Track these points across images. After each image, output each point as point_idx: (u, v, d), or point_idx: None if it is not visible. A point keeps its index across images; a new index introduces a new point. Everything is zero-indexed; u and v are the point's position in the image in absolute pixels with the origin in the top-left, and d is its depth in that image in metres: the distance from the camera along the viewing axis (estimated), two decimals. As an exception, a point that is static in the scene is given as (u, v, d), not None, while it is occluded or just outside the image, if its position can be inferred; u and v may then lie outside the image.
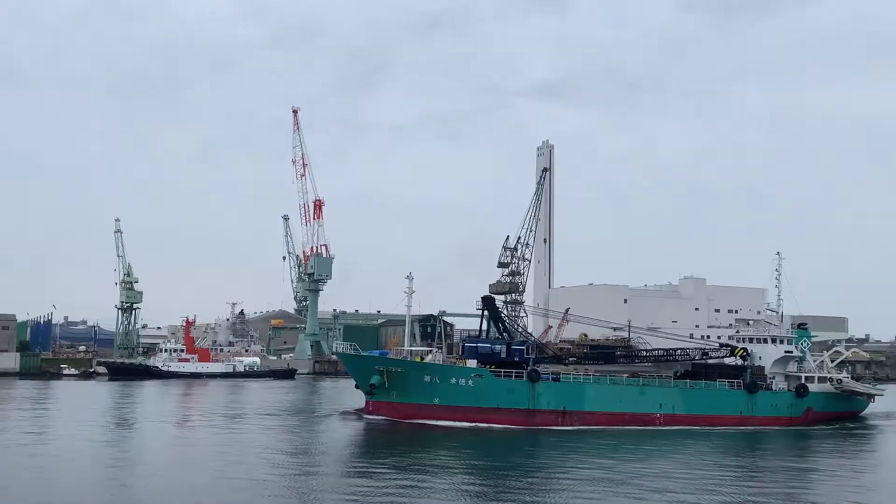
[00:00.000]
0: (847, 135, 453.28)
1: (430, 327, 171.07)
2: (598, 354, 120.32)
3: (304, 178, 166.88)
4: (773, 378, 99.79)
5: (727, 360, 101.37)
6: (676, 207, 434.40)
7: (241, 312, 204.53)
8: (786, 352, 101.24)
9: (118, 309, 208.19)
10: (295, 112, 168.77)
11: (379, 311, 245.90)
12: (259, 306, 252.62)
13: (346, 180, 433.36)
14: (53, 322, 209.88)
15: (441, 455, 65.57)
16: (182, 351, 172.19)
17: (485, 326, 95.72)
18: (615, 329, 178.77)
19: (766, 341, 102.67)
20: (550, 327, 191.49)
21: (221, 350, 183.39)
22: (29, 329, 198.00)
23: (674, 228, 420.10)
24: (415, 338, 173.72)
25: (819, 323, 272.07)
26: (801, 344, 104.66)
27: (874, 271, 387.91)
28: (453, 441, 74.43)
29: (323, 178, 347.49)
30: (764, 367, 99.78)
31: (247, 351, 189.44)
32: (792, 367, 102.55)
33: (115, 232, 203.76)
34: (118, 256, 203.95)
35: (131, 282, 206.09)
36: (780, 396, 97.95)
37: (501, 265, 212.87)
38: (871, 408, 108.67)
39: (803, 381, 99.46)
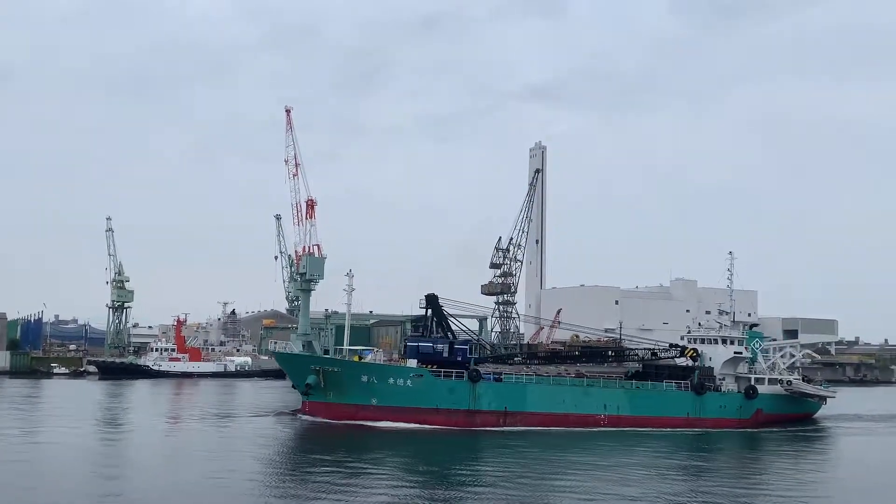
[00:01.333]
0: (840, 137, 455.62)
1: (423, 328, 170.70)
2: (548, 355, 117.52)
3: (296, 177, 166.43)
4: (723, 379, 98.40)
5: (679, 361, 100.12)
6: (669, 209, 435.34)
7: (233, 312, 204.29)
8: (735, 353, 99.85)
9: (109, 308, 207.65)
10: (288, 111, 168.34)
11: (371, 312, 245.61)
12: (251, 306, 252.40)
13: (341, 181, 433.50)
14: (44, 321, 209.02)
15: (373, 457, 63.71)
16: (173, 350, 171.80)
17: (445, 327, 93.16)
18: (605, 331, 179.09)
19: (715, 342, 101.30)
20: (542, 328, 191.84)
21: (213, 349, 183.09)
22: (19, 327, 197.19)
23: (666, 230, 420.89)
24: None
25: (809, 325, 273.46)
26: (753, 345, 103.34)
27: (865, 274, 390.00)
28: (390, 442, 73.14)
29: (318, 178, 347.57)
30: (713, 368, 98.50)
31: (238, 351, 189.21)
32: (742, 369, 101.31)
33: (107, 231, 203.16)
34: (109, 255, 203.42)
35: (122, 281, 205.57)
36: (728, 398, 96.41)
37: (493, 266, 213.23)
38: (825, 410, 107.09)
39: (753, 383, 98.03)
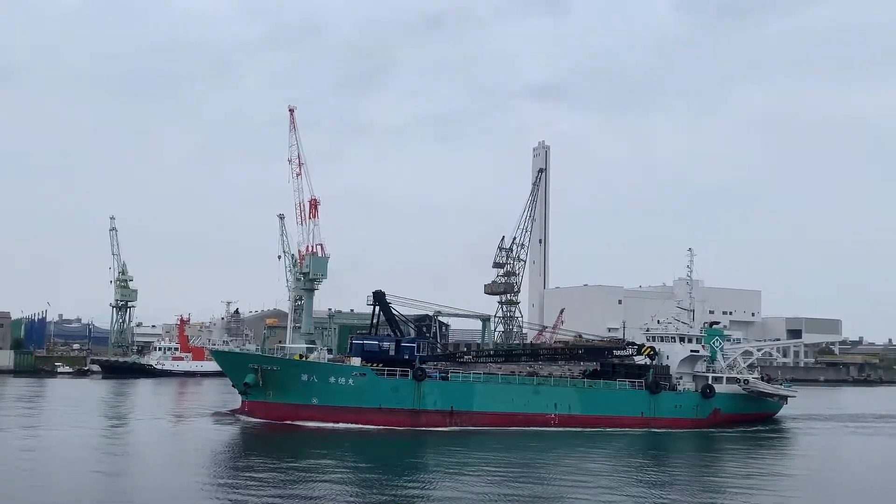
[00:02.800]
0: (844, 136, 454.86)
1: (426, 328, 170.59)
2: (501, 352, 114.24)
3: (299, 177, 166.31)
4: (681, 378, 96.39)
5: (638, 360, 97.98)
6: (672, 209, 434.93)
7: (236, 311, 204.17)
8: (692, 351, 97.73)
9: (113, 307, 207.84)
10: (291, 111, 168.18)
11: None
12: (254, 305, 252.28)
13: (343, 180, 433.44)
14: (48, 320, 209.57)
15: (307, 460, 61.28)
16: (176, 350, 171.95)
17: (393, 325, 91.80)
18: (609, 330, 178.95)
19: (672, 340, 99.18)
20: (546, 328, 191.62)
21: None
22: (23, 327, 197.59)
23: (669, 230, 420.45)
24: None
25: (813, 325, 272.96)
26: (713, 343, 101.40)
27: (870, 274, 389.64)
28: (327, 444, 70.83)
29: (320, 178, 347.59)
30: (670, 366, 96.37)
31: (241, 350, 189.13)
32: (700, 367, 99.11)
33: (111, 230, 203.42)
34: (113, 255, 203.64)
35: (126, 280, 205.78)
36: (684, 397, 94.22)
37: (497, 265, 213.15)
38: (788, 409, 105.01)
39: (710, 382, 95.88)
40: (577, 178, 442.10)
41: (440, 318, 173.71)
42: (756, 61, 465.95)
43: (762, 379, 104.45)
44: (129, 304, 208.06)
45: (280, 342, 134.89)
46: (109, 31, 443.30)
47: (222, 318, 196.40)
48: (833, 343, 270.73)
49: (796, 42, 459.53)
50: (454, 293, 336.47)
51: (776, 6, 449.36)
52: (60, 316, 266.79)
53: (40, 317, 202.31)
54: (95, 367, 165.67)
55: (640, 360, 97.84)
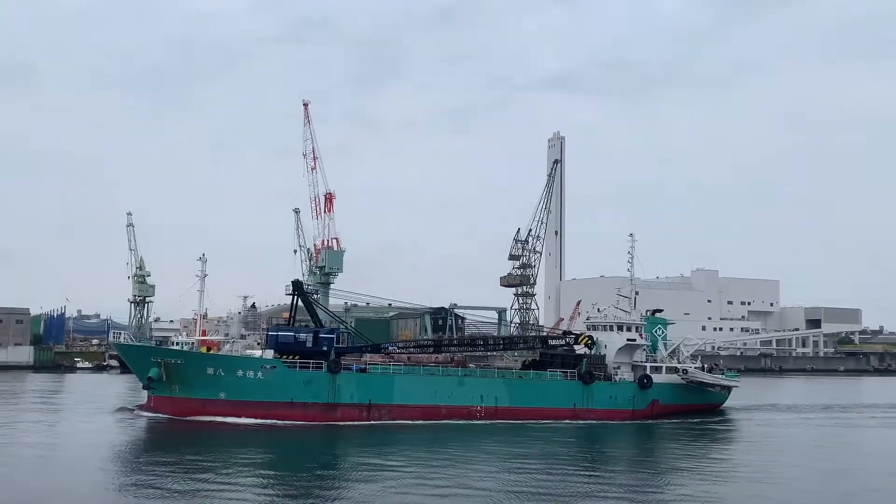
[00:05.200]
0: (862, 125, 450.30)
1: (441, 320, 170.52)
2: (430, 343, 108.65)
3: (314, 171, 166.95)
4: (618, 368, 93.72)
5: (579, 350, 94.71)
6: (689, 199, 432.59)
7: (253, 305, 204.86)
8: (628, 340, 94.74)
9: (131, 302, 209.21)
10: (305, 105, 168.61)
11: (390, 304, 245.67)
12: (270, 299, 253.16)
13: (357, 174, 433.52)
14: (67, 316, 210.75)
15: (205, 458, 58.21)
16: (194, 344, 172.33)
17: (315, 315, 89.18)
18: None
19: (610, 329, 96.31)
20: (562, 319, 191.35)
21: (233, 343, 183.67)
22: (42, 323, 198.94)
23: (686, 220, 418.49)
24: (426, 330, 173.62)
25: (832, 314, 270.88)
26: (656, 332, 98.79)
27: (890, 263, 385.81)
28: (231, 440, 68.17)
29: (335, 171, 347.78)
30: (606, 356, 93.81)
31: (258, 344, 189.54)
32: (639, 357, 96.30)
33: (128, 226, 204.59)
34: (130, 250, 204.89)
35: (144, 275, 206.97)
36: (620, 388, 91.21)
37: (512, 258, 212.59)
38: (735, 400, 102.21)
39: (648, 372, 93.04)
40: (593, 169, 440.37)
41: (456, 311, 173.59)
42: (775, 48, 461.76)
43: (703, 369, 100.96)
44: (147, 299, 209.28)
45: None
46: (122, 29, 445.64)
47: (239, 313, 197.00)
48: (853, 333, 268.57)
49: (813, 30, 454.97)
50: (470, 285, 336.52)
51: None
52: (79, 311, 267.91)
53: (59, 313, 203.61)
54: (114, 363, 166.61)
55: (580, 349, 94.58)
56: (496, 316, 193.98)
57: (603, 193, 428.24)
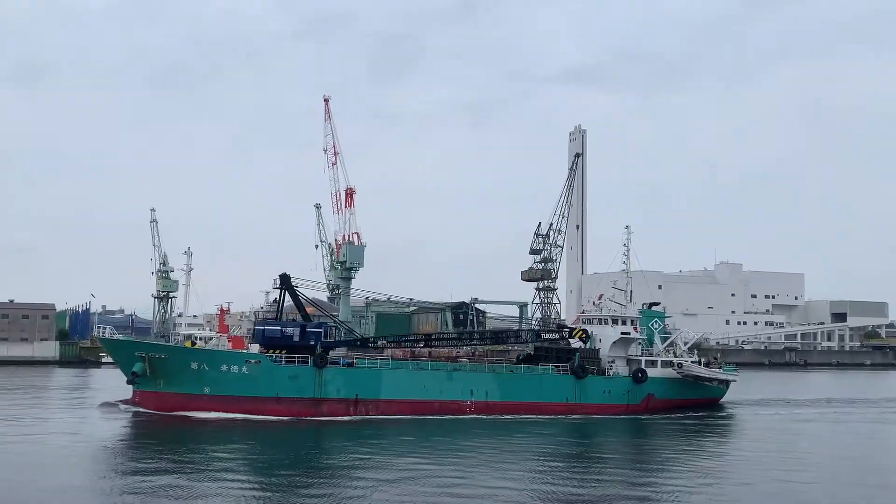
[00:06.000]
0: (884, 116, 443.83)
1: (463, 315, 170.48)
2: (420, 337, 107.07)
3: (335, 166, 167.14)
4: (613, 362, 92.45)
5: (575, 344, 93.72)
6: (713, 192, 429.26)
7: (275, 300, 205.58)
8: (622, 333, 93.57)
9: (154, 298, 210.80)
10: (326, 101, 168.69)
11: (411, 299, 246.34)
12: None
13: (377, 168, 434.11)
14: (92, 311, 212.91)
15: (186, 454, 57.54)
16: (217, 338, 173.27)
17: (300, 309, 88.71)
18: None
19: (605, 322, 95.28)
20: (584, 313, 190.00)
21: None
22: (68, 318, 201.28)
23: (710, 213, 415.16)
24: (447, 325, 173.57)
25: (858, 308, 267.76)
26: (652, 325, 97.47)
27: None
28: (214, 436, 67.24)
29: (354, 166, 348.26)
30: (601, 349, 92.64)
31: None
32: (634, 351, 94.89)
33: (151, 222, 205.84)
34: (154, 246, 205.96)
35: (167, 271, 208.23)
36: (614, 382, 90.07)
37: (534, 252, 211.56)
38: (739, 394, 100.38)
39: (643, 366, 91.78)
40: (614, 162, 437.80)
41: (477, 306, 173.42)
42: (798, 40, 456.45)
43: (700, 363, 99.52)
44: (171, 294, 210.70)
45: None
46: (142, 26, 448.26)
47: (262, 307, 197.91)
48: (879, 326, 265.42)
49: (836, 20, 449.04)
50: (491, 280, 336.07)
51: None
52: (104, 307, 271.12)
53: (84, 308, 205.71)
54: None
55: (575, 343, 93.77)
56: (517, 310, 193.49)
57: (624, 186, 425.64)
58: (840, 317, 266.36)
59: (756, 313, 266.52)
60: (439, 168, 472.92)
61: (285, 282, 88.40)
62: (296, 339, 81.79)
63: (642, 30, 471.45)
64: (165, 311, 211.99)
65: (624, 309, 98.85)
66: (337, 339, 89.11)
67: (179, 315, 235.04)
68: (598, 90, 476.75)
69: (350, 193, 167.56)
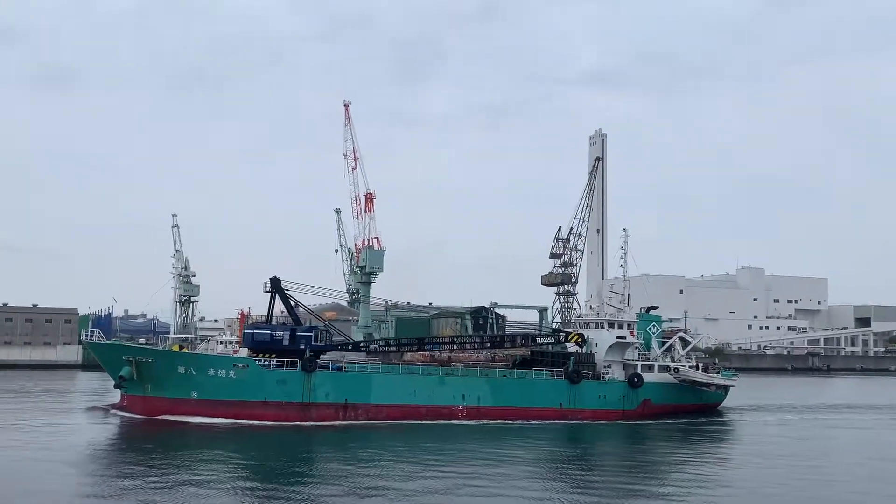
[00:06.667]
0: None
1: (483, 319, 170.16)
2: (413, 341, 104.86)
3: (355, 171, 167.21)
4: (609, 367, 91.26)
5: (571, 348, 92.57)
6: (734, 196, 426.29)
7: (296, 304, 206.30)
8: (618, 337, 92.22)
9: (176, 302, 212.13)
10: (346, 106, 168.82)
11: (431, 304, 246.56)
12: (312, 299, 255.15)
13: (396, 171, 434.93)
14: (114, 315, 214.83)
15: (168, 459, 56.92)
16: (237, 343, 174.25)
17: (284, 311, 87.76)
18: (670, 321, 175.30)
19: (601, 326, 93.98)
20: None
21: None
22: (90, 322, 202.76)
23: (732, 217, 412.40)
24: (467, 329, 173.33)
25: (882, 313, 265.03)
26: (650, 329, 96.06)
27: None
28: (200, 441, 66.63)
29: (374, 169, 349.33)
30: (597, 354, 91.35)
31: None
32: (631, 355, 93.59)
33: (173, 227, 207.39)
34: (176, 251, 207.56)
35: (189, 275, 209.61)
36: (609, 387, 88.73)
37: (553, 256, 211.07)
38: (734, 399, 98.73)
39: (639, 371, 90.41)
40: (635, 166, 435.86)
41: (496, 310, 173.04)
42: (820, 41, 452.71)
43: (698, 367, 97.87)
44: (192, 298, 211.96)
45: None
46: (164, 29, 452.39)
47: (282, 312, 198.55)
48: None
49: (858, 20, 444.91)
50: (511, 284, 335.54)
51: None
52: (126, 311, 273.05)
53: (107, 312, 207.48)
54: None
55: (572, 347, 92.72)
56: (538, 315, 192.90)
57: (645, 190, 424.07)
58: (864, 322, 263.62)
59: (778, 318, 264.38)
60: (459, 171, 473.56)
61: (276, 285, 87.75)
62: (285, 342, 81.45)
63: (662, 32, 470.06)
64: (187, 315, 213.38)
65: (621, 313, 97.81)
66: (328, 343, 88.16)
67: (201, 319, 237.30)
68: (617, 93, 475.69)
69: (370, 198, 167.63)
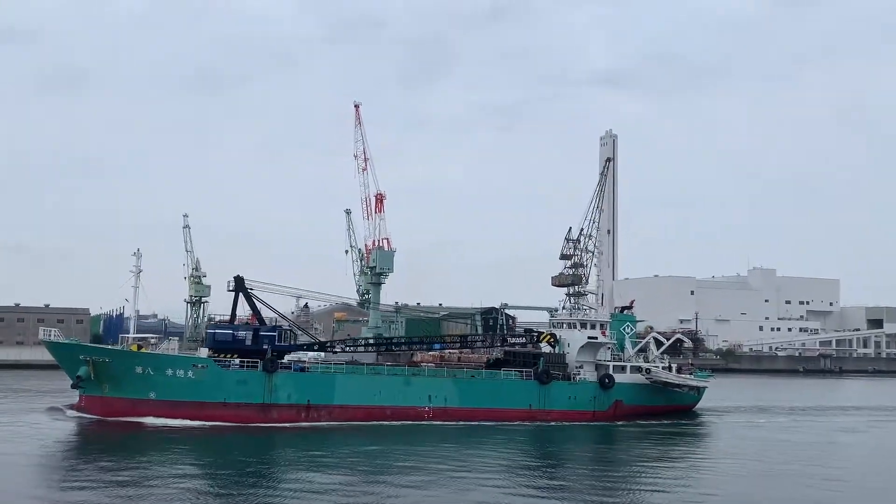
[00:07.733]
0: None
1: (493, 320, 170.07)
2: (382, 341, 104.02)
3: (365, 172, 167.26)
4: (581, 367, 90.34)
5: (545, 348, 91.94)
6: (745, 197, 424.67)
7: (306, 305, 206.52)
8: (590, 338, 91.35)
9: (187, 303, 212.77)
10: (356, 107, 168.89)
11: (440, 304, 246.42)
12: (323, 299, 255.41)
13: (407, 172, 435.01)
14: (125, 316, 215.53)
15: (115, 463, 55.51)
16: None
17: (247, 311, 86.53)
18: (681, 322, 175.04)
19: (573, 326, 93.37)
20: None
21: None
22: (102, 322, 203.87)
23: (743, 218, 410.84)
24: (476, 330, 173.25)
25: (895, 314, 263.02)
26: (623, 329, 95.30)
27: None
28: (157, 443, 65.57)
29: (384, 170, 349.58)
30: (568, 354, 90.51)
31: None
32: (603, 356, 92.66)
33: (184, 227, 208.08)
34: (187, 251, 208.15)
35: (200, 276, 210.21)
36: (579, 388, 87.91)
37: (564, 257, 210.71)
38: (709, 401, 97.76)
39: (610, 371, 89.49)
40: (645, 166, 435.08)
41: (506, 311, 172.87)
42: (831, 41, 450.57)
43: (671, 368, 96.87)
44: (203, 299, 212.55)
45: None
46: (174, 32, 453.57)
47: (292, 312, 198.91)
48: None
49: (871, 19, 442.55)
50: (521, 284, 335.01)
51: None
52: (137, 311, 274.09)
53: (118, 313, 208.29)
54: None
55: (546, 348, 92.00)
56: (547, 316, 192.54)
57: (656, 190, 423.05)
58: (876, 323, 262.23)
59: (790, 319, 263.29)
60: (469, 172, 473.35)
61: (240, 284, 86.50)
62: (248, 342, 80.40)
63: (673, 32, 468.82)
64: (198, 316, 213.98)
65: (594, 312, 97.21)
66: (292, 343, 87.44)
67: (211, 319, 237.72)
68: (628, 93, 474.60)
69: (380, 199, 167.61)
